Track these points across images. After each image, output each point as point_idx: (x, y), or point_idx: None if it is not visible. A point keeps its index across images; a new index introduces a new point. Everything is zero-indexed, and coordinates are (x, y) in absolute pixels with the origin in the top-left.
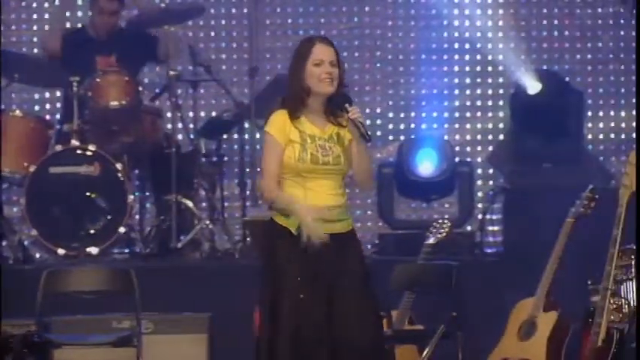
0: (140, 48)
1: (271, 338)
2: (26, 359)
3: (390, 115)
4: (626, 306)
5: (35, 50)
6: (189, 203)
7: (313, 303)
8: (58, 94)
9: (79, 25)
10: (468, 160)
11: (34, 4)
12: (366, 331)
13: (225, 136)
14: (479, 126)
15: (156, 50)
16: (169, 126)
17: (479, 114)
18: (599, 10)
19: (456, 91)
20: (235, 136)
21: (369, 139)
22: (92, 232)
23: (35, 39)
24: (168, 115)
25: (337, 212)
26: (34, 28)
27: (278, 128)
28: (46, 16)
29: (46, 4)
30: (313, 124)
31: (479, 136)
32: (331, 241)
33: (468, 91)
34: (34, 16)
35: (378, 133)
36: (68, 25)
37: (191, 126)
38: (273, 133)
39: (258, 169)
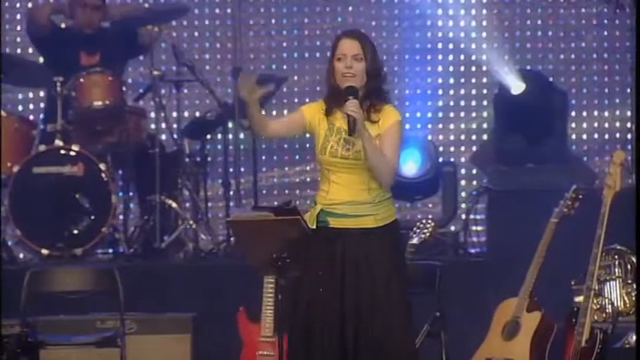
0: (124, 45)
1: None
2: (19, 359)
3: None
4: (610, 306)
5: (19, 50)
6: (173, 203)
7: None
8: (42, 94)
9: (62, 25)
10: (452, 160)
11: (18, 4)
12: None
13: (209, 137)
14: (462, 126)
15: (137, 41)
16: (153, 126)
17: (462, 114)
18: (583, 10)
19: (440, 91)
20: (219, 136)
21: (351, 135)
22: (76, 232)
23: (19, 39)
24: (152, 115)
25: (356, 207)
26: (18, 28)
27: (309, 107)
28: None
29: (30, 4)
30: (344, 119)
31: (462, 137)
32: (349, 235)
33: (451, 92)
34: (18, 16)
35: None
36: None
37: (175, 126)
38: (302, 107)
39: (242, 169)
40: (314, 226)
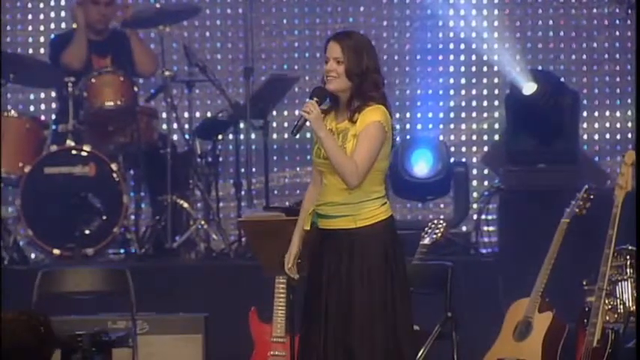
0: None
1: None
2: (94, 357)
3: None
4: (621, 306)
5: (30, 51)
6: (185, 204)
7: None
8: (54, 94)
9: (74, 26)
10: (463, 160)
11: (29, 5)
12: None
13: (220, 137)
14: (474, 126)
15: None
16: (165, 126)
17: (474, 114)
18: (595, 10)
19: (451, 92)
20: (230, 136)
21: (293, 134)
22: (87, 232)
23: (30, 39)
24: (164, 115)
25: (337, 208)
26: (29, 28)
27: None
28: (41, 16)
29: (42, 5)
30: (335, 119)
31: (474, 137)
32: (334, 236)
33: (463, 92)
34: (29, 16)
35: None
36: (64, 25)
37: (186, 126)
38: None
39: (253, 169)
40: (308, 227)
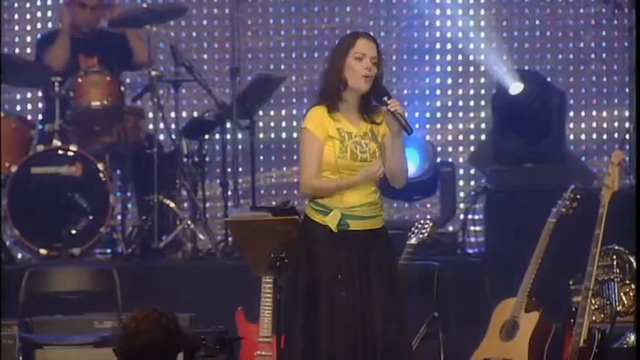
0: (120, 51)
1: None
2: (217, 355)
3: None
4: (608, 306)
5: (17, 50)
6: (171, 203)
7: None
8: (40, 94)
9: (60, 26)
10: (450, 160)
11: (16, 5)
12: (389, 333)
13: (207, 137)
14: (461, 126)
15: (132, 58)
16: (151, 126)
17: (461, 114)
18: (581, 10)
19: (438, 92)
20: (217, 136)
21: (411, 131)
22: (74, 232)
23: (17, 39)
24: (150, 115)
25: (371, 209)
26: (16, 28)
27: (316, 124)
28: (28, 16)
29: (28, 4)
30: (349, 120)
31: (461, 137)
32: (365, 236)
33: (449, 92)
34: (16, 16)
35: None
36: (50, 25)
37: (173, 126)
38: (311, 129)
39: (240, 169)
40: (335, 229)
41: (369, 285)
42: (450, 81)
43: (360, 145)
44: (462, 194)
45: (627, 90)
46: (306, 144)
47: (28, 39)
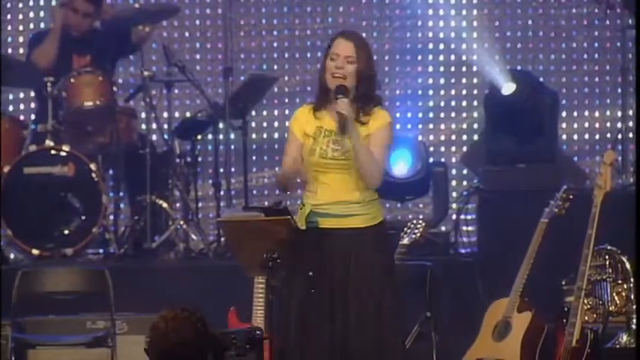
0: (114, 45)
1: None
2: (247, 354)
3: None
4: (601, 306)
5: (10, 50)
6: (164, 204)
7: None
8: (32, 94)
9: (51, 25)
10: (443, 160)
11: (9, 5)
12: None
13: (199, 137)
14: (453, 126)
15: (129, 39)
16: (144, 126)
17: (453, 114)
18: (573, 10)
19: (430, 92)
20: (210, 136)
21: (343, 133)
22: (66, 232)
23: (10, 39)
24: (143, 115)
25: (347, 207)
26: (9, 28)
27: (295, 122)
28: (20, 16)
29: (21, 5)
30: (333, 118)
31: (453, 137)
32: (342, 235)
33: (442, 92)
34: (8, 16)
35: None
36: (42, 25)
37: (165, 126)
38: (291, 127)
39: (232, 169)
40: (304, 227)
41: (345, 285)
42: (442, 81)
43: (336, 143)
44: (454, 194)
45: (619, 90)
46: (287, 140)
47: (21, 39)
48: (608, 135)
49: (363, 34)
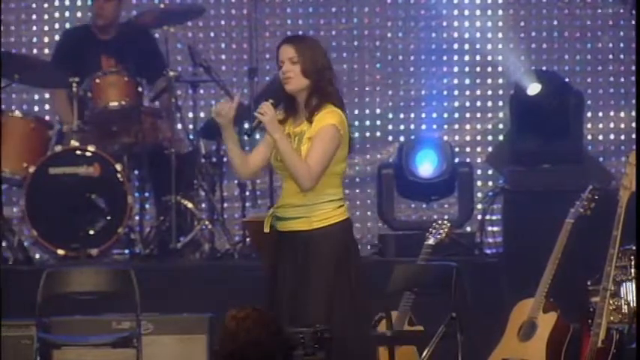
0: (141, 49)
1: None
2: (316, 353)
3: (390, 116)
4: (626, 307)
5: (35, 51)
6: (189, 204)
7: (275, 300)
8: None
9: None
10: (468, 160)
11: (34, 5)
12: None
13: None
14: (478, 127)
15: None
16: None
17: (478, 115)
18: (599, 10)
19: (456, 92)
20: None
21: (249, 135)
22: (92, 232)
23: (35, 39)
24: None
25: (295, 210)
26: (34, 28)
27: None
28: (46, 16)
29: (46, 5)
30: (294, 122)
31: (478, 137)
32: (294, 238)
33: (467, 92)
34: (34, 16)
35: (378, 134)
36: (68, 25)
37: (191, 127)
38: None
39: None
40: (267, 230)
41: (292, 285)
42: (467, 81)
43: None
44: (479, 195)
45: None
46: None
47: (46, 39)
48: (634, 135)
49: (388, 34)
